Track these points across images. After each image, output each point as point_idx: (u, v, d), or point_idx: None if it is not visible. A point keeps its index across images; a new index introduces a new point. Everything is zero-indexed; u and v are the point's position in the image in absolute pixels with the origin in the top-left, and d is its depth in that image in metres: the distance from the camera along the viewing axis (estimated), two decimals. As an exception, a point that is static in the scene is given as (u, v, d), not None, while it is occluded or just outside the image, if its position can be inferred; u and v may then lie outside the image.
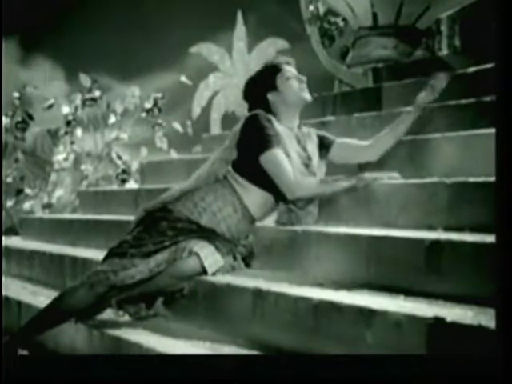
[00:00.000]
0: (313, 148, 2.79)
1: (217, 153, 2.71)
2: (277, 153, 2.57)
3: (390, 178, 2.57)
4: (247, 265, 2.64)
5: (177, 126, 9.30)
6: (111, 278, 2.47)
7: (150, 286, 2.48)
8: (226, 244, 2.58)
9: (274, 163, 2.57)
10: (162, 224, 2.56)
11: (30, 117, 8.20)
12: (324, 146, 2.84)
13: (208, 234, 2.55)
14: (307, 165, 2.70)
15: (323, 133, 2.91)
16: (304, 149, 2.73)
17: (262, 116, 2.64)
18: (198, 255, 2.46)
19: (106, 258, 2.59)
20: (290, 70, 2.77)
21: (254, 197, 2.61)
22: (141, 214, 2.66)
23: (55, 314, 2.60)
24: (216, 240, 2.55)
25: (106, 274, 2.48)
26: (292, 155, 2.63)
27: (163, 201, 2.63)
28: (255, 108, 2.73)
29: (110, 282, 2.47)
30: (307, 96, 2.75)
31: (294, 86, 2.74)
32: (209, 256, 2.49)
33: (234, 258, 2.60)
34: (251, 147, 2.60)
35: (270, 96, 2.74)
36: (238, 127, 2.68)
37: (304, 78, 2.77)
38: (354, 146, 2.85)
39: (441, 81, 2.75)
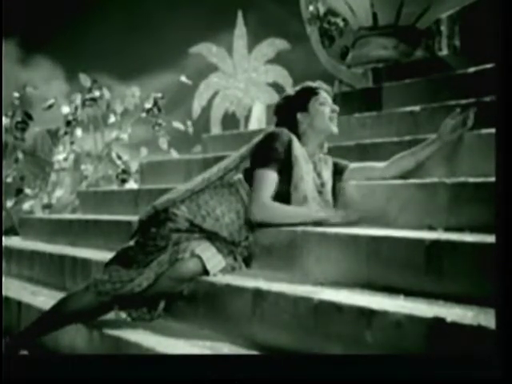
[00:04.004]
0: (328, 175, 2.80)
1: (229, 159, 2.72)
2: (268, 173, 2.60)
3: (347, 218, 2.57)
4: (247, 265, 2.65)
5: (177, 124, 9.30)
6: (118, 289, 2.46)
7: (152, 289, 2.48)
8: (227, 245, 2.58)
9: (259, 181, 2.59)
10: (165, 227, 2.56)
11: (30, 117, 8.20)
12: (337, 171, 2.84)
13: (210, 235, 2.56)
14: (320, 191, 2.72)
15: (337, 159, 2.90)
16: (319, 175, 2.76)
17: (282, 134, 2.66)
18: (199, 257, 2.47)
19: (110, 263, 2.56)
20: (326, 97, 2.80)
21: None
22: (149, 211, 2.65)
23: (58, 317, 2.59)
24: (217, 241, 2.55)
25: (113, 286, 2.47)
26: (306, 179, 2.65)
27: (172, 198, 2.63)
28: (282, 125, 2.76)
29: (117, 293, 2.47)
30: (334, 128, 2.77)
31: (326, 113, 2.76)
32: (211, 258, 2.49)
33: (235, 258, 2.60)
34: (256, 160, 2.65)
35: (300, 116, 2.76)
36: (257, 139, 2.71)
37: (337, 108, 2.79)
38: (368, 169, 2.82)
39: (471, 117, 2.68)
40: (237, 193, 2.63)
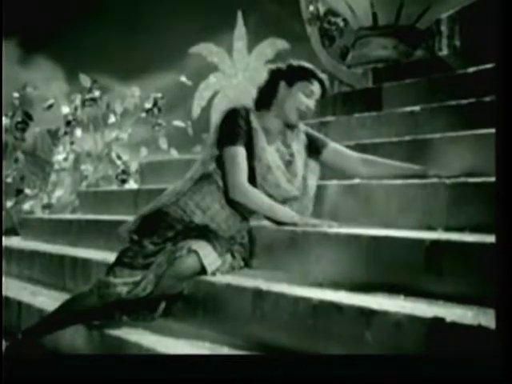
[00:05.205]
0: (298, 146, 2.76)
1: (203, 152, 2.72)
2: (237, 150, 2.58)
3: (330, 226, 2.50)
4: (246, 264, 2.65)
5: (178, 122, 9.30)
6: (123, 294, 2.46)
7: (155, 292, 2.48)
8: (224, 243, 2.58)
9: (231, 159, 2.58)
10: (160, 226, 2.57)
11: (30, 117, 8.19)
12: (315, 147, 2.81)
13: (205, 232, 2.56)
14: (289, 161, 2.69)
15: (316, 134, 2.87)
16: (288, 146, 2.72)
17: (238, 111, 2.63)
18: (197, 253, 2.47)
19: (114, 266, 2.55)
20: (314, 91, 2.70)
21: None
22: (138, 219, 2.66)
23: (63, 318, 2.60)
24: (214, 239, 2.55)
25: (115, 288, 2.47)
26: (269, 149, 2.63)
27: (162, 203, 2.63)
28: (265, 86, 2.74)
29: (121, 297, 2.46)
30: (295, 120, 2.69)
31: (300, 103, 2.68)
32: (208, 255, 2.49)
33: (233, 256, 2.60)
34: (221, 141, 2.62)
35: (281, 86, 2.70)
36: (218, 121, 2.68)
37: (312, 109, 2.71)
38: (346, 156, 2.82)
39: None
40: (215, 182, 2.62)
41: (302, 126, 2.82)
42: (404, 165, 2.75)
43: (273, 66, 2.82)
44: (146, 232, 2.58)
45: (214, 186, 2.61)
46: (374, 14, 5.31)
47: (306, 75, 2.70)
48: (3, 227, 6.43)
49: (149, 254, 2.52)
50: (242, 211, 2.63)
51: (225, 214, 2.61)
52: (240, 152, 2.59)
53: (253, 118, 2.66)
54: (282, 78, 2.72)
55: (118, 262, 2.55)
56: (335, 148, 2.83)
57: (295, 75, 2.70)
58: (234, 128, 2.61)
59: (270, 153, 2.64)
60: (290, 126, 2.75)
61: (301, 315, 2.04)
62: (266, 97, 2.73)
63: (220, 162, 2.63)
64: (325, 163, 2.84)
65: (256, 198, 2.57)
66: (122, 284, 2.47)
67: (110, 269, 2.55)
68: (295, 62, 2.76)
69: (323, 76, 2.73)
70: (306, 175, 2.75)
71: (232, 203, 2.60)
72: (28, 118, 8.18)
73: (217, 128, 2.66)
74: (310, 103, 2.70)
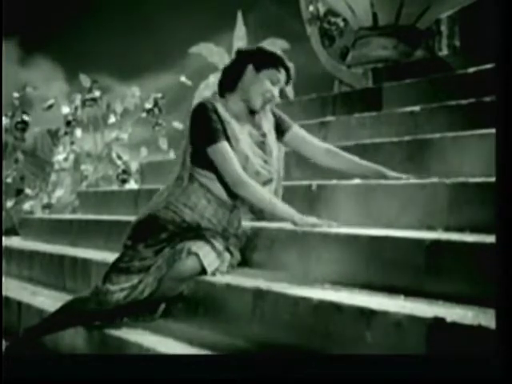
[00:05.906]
0: (269, 126, 2.74)
1: (182, 152, 2.69)
2: (222, 146, 2.55)
3: (329, 226, 2.49)
4: (246, 262, 2.65)
5: (177, 124, 9.31)
6: (120, 299, 2.47)
7: (154, 294, 2.48)
8: (221, 241, 2.58)
9: (221, 156, 2.54)
10: (152, 229, 2.57)
11: (27, 117, 8.20)
12: (280, 128, 2.80)
13: (201, 233, 2.56)
14: (262, 142, 2.68)
15: (282, 115, 2.84)
16: (259, 127, 2.70)
17: (206, 106, 2.60)
18: (196, 255, 2.47)
19: (110, 272, 2.56)
20: (280, 81, 2.65)
21: (219, 185, 2.60)
22: (132, 226, 2.67)
23: (64, 319, 2.61)
24: (211, 238, 2.55)
25: (113, 296, 2.47)
26: (241, 137, 2.61)
27: (156, 208, 2.63)
28: (231, 66, 2.69)
29: (120, 303, 2.47)
30: (257, 106, 2.65)
31: (265, 89, 2.62)
32: (207, 255, 2.49)
33: (231, 254, 2.60)
34: (201, 140, 2.59)
35: (249, 69, 2.63)
36: (189, 122, 2.65)
37: (276, 99, 2.66)
38: (308, 142, 2.83)
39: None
40: (196, 180, 2.61)
41: (268, 106, 2.76)
42: (368, 164, 2.76)
43: (242, 47, 2.79)
44: (139, 237, 2.58)
45: (196, 183, 2.60)
46: (374, 14, 5.32)
47: (275, 63, 2.64)
48: (3, 227, 6.43)
49: (144, 256, 2.53)
50: (227, 202, 2.62)
51: (212, 208, 2.60)
52: (226, 147, 2.55)
53: (220, 109, 2.62)
54: (251, 61, 2.65)
55: (114, 268, 2.56)
56: (298, 132, 2.82)
57: (264, 61, 2.64)
58: (211, 124, 2.56)
59: (244, 141, 2.61)
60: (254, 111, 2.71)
61: (301, 315, 2.04)
62: (231, 78, 2.67)
63: (196, 159, 2.60)
64: (288, 145, 2.83)
65: (256, 192, 2.55)
66: (119, 290, 2.48)
67: (107, 276, 2.55)
68: (266, 47, 2.72)
69: (291, 65, 2.68)
70: (278, 155, 2.75)
71: (217, 196, 2.60)
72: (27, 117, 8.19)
73: (190, 126, 2.62)
74: (276, 91, 2.66)
